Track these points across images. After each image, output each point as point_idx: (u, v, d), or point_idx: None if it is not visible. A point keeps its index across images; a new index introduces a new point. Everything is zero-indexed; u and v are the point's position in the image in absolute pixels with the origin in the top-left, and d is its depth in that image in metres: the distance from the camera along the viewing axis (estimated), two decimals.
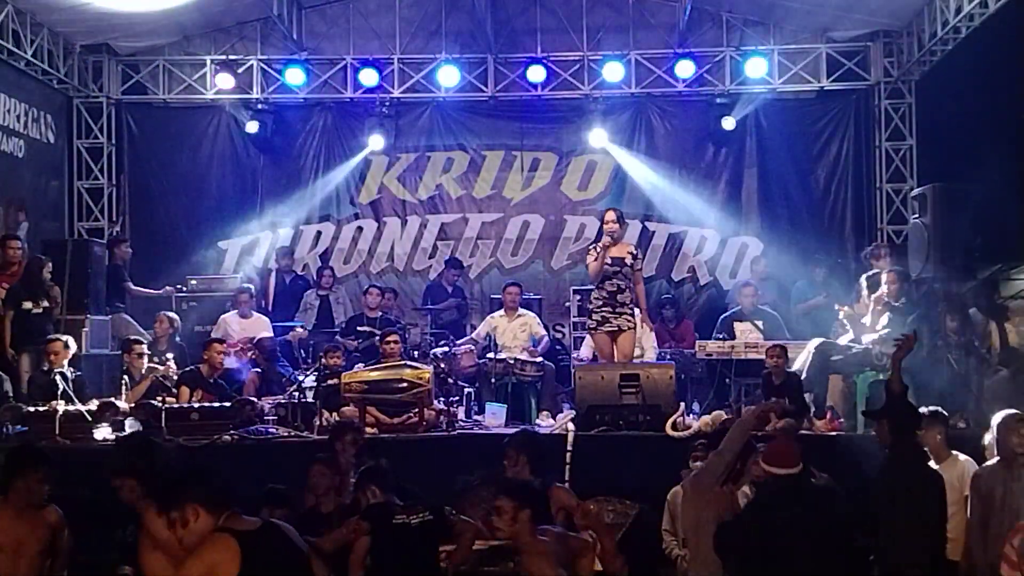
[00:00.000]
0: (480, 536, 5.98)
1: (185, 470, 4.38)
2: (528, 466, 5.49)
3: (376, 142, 12.35)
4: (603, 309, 8.67)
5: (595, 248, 8.81)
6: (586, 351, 9.88)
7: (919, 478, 5.40)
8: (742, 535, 4.90)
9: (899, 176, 12.16)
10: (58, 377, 8.31)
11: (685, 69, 11.97)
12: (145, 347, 9.19)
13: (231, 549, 3.86)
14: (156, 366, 8.94)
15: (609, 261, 8.67)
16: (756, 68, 11.93)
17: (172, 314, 10.46)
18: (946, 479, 5.68)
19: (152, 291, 11.37)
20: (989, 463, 5.89)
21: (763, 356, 8.87)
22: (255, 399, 8.60)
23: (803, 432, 7.63)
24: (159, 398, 8.23)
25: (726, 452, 5.35)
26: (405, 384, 8.08)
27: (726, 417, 7.88)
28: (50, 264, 9.48)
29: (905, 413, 5.62)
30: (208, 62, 12.47)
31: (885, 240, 11.75)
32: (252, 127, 12.35)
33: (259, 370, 9.52)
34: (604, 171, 12.70)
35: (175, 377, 8.89)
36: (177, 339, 10.22)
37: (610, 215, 8.89)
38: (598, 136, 12.23)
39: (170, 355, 9.21)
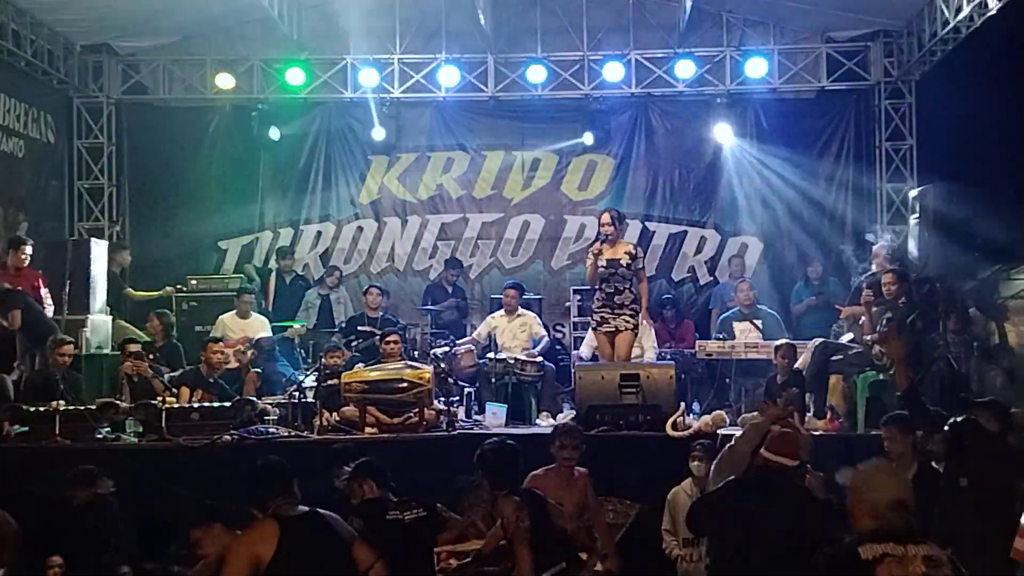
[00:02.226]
0: (475, 536, 6.01)
1: None
2: (486, 480, 5.62)
3: (378, 134, 12.40)
4: (602, 310, 8.68)
5: (592, 251, 8.79)
6: (586, 350, 9.88)
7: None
8: (715, 512, 4.80)
9: (899, 176, 12.15)
10: (58, 377, 8.33)
11: (685, 69, 11.97)
12: (139, 347, 9.18)
13: (270, 531, 4.34)
14: (138, 363, 8.91)
15: (604, 264, 8.65)
16: (756, 68, 11.94)
17: (165, 312, 10.47)
18: None
19: (152, 293, 11.37)
20: None
21: (763, 356, 8.86)
22: (255, 399, 8.60)
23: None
24: (159, 398, 8.23)
25: (739, 447, 5.31)
26: (405, 384, 8.06)
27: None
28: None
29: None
30: (208, 62, 12.46)
31: None
32: (275, 134, 12.36)
33: (258, 370, 9.52)
34: (604, 171, 12.72)
35: (149, 376, 8.87)
36: (174, 338, 10.22)
37: (604, 216, 8.86)
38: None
39: (145, 354, 9.19)
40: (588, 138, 12.40)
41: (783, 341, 9.03)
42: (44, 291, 9.45)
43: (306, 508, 4.55)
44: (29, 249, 9.47)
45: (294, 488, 4.62)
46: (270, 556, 4.25)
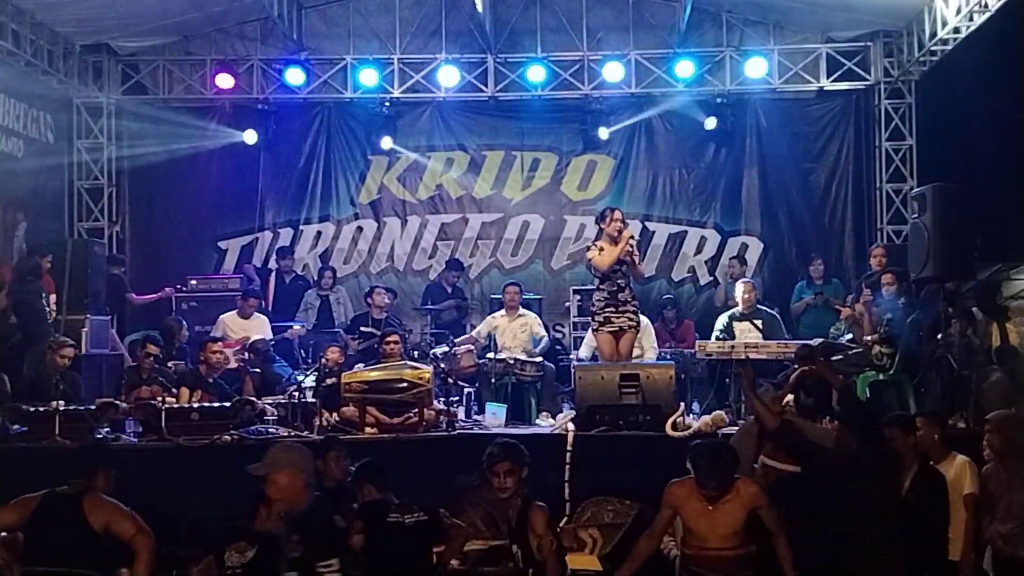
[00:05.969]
0: (474, 537, 5.99)
1: None
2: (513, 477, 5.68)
3: (386, 142, 12.42)
4: (607, 309, 8.63)
5: (597, 245, 8.70)
6: (585, 351, 9.87)
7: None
8: None
9: (899, 176, 12.15)
10: (57, 378, 8.34)
11: (685, 69, 11.98)
12: (157, 349, 9.18)
13: (24, 504, 5.18)
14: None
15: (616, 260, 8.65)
16: (756, 68, 11.95)
17: (180, 320, 10.54)
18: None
19: (152, 295, 11.37)
20: (992, 463, 5.88)
21: (763, 356, 8.86)
22: (255, 399, 8.59)
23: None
24: (159, 398, 8.22)
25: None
26: (405, 384, 8.06)
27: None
28: None
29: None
30: (208, 62, 12.46)
31: (885, 240, 11.76)
32: (250, 137, 12.34)
33: (257, 370, 9.52)
34: (604, 171, 12.71)
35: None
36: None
37: (618, 213, 8.78)
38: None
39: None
40: (604, 133, 12.38)
41: (771, 342, 9.02)
42: (52, 297, 9.48)
43: (72, 491, 5.18)
44: (50, 258, 9.60)
45: (94, 475, 5.31)
46: (17, 525, 5.16)
